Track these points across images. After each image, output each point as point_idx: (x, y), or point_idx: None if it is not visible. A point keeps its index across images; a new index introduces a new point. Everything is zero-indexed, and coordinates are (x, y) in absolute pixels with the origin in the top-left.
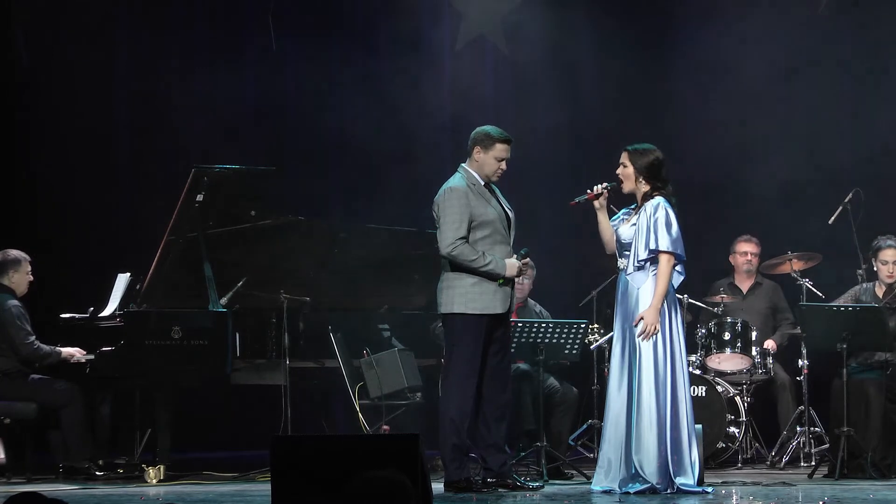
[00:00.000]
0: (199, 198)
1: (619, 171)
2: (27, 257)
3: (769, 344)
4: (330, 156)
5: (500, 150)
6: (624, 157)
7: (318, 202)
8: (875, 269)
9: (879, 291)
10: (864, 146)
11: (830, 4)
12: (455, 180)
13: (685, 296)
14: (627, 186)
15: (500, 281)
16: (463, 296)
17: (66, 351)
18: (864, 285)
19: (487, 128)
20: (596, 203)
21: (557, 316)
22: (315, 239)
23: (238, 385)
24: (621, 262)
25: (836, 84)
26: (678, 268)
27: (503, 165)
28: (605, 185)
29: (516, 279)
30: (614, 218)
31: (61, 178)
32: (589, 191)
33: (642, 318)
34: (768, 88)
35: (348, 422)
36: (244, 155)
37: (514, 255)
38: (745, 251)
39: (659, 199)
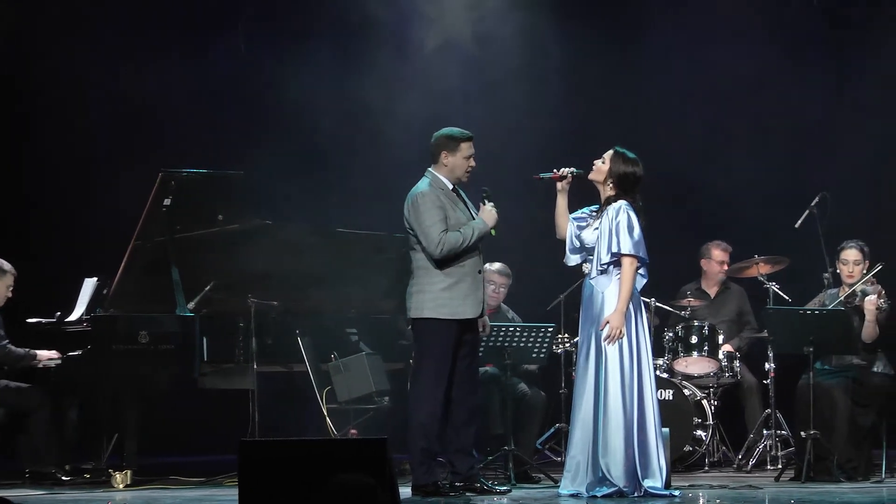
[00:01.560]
0: (167, 202)
1: (596, 161)
2: (14, 272)
3: (726, 348)
4: (300, 159)
5: (466, 148)
6: (607, 154)
7: (287, 206)
8: (838, 271)
9: (843, 294)
10: (833, 149)
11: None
12: (423, 185)
13: (652, 299)
14: (595, 177)
15: (493, 231)
16: (433, 300)
17: (42, 353)
18: (830, 290)
19: (447, 130)
20: (559, 184)
21: (526, 320)
22: (283, 243)
23: (206, 389)
24: (585, 267)
25: (805, 86)
26: (641, 271)
27: (472, 162)
28: (571, 169)
29: (490, 288)
30: (576, 213)
31: (29, 183)
32: (556, 170)
33: (608, 322)
34: (738, 91)
35: (316, 426)
36: (212, 158)
37: (485, 201)
38: (722, 260)
39: (621, 203)
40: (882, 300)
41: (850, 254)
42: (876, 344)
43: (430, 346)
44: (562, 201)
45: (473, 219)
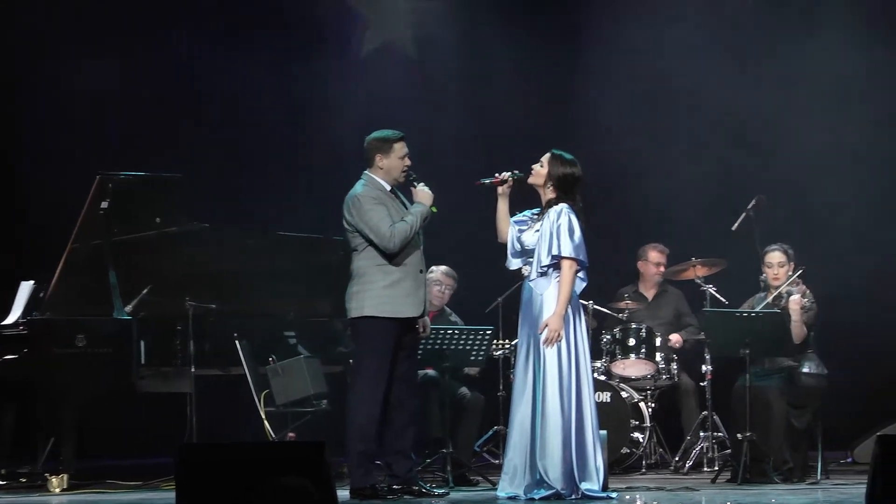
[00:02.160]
0: (104, 205)
1: (534, 165)
2: None
3: (674, 338)
4: (239, 162)
5: (400, 148)
6: (544, 158)
7: (226, 208)
8: (764, 275)
9: (770, 298)
10: (770, 151)
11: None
12: (359, 188)
13: (590, 302)
14: (534, 181)
15: (434, 208)
16: (374, 298)
17: None
18: (759, 294)
19: (379, 133)
20: (500, 189)
21: (465, 323)
22: (221, 246)
23: (144, 393)
24: (525, 269)
25: (743, 87)
26: (581, 274)
27: (407, 161)
28: (511, 173)
29: (437, 289)
30: (517, 217)
31: None
32: (497, 174)
33: (546, 325)
34: (676, 94)
35: (254, 429)
36: (151, 161)
37: (415, 184)
38: (659, 262)
39: (562, 206)
40: (806, 299)
41: (774, 256)
42: (805, 344)
43: (371, 346)
44: (503, 205)
45: None
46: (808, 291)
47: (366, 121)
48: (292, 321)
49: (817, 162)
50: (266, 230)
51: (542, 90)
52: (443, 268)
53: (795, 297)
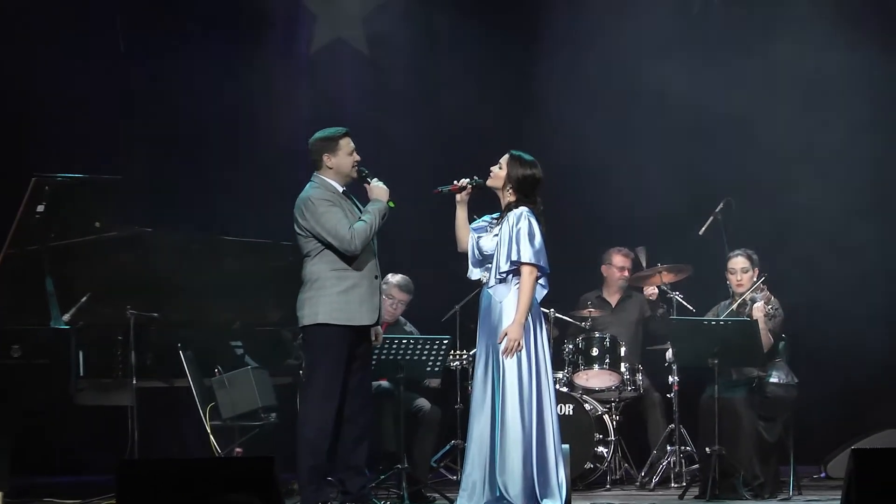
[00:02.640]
0: (41, 208)
1: (493, 168)
2: None
3: (649, 290)
4: (182, 163)
5: (346, 145)
6: (503, 160)
7: (169, 212)
8: (727, 282)
9: (734, 306)
10: (738, 152)
11: (702, 5)
12: (310, 191)
13: (551, 310)
14: (493, 184)
15: (391, 203)
16: (328, 305)
17: None
18: (723, 302)
19: (321, 133)
20: (458, 196)
21: (421, 332)
22: (164, 251)
23: (82, 406)
24: (483, 276)
25: (710, 85)
26: (542, 281)
27: (356, 156)
28: (469, 179)
29: (388, 303)
30: (476, 223)
31: None
32: (456, 181)
33: (506, 335)
34: (640, 89)
35: (200, 444)
36: (90, 162)
37: (368, 180)
38: (623, 266)
39: (522, 210)
40: (770, 306)
41: (738, 262)
42: (773, 353)
43: (323, 356)
44: (461, 213)
45: None
46: (772, 298)
47: (315, 121)
48: (239, 330)
49: (788, 164)
50: (211, 235)
51: (502, 88)
52: (397, 278)
53: (759, 305)
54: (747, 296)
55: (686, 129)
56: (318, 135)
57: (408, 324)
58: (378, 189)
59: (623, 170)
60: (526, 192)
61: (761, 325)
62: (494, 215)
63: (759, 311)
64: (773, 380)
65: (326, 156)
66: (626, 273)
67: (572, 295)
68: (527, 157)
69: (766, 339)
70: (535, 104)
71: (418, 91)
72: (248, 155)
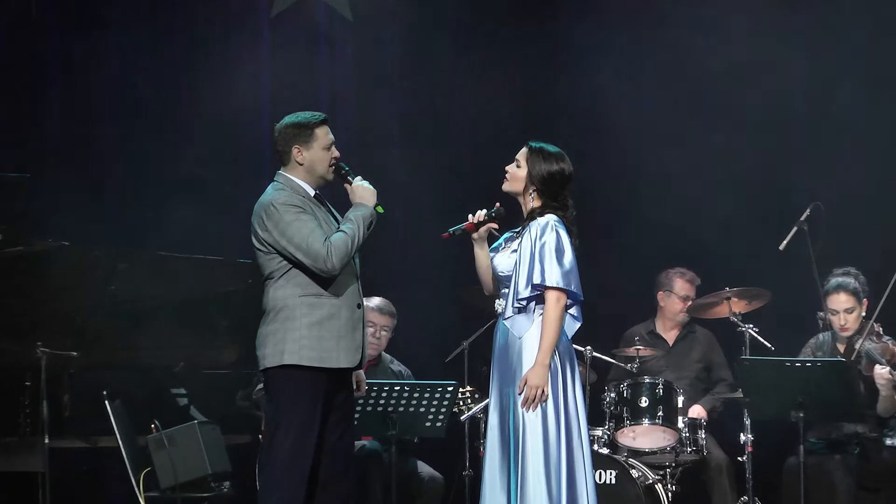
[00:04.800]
0: None
1: (509, 167)
2: None
3: (696, 411)
4: (106, 159)
5: (323, 135)
6: (521, 155)
7: (90, 222)
8: (828, 318)
9: (841, 347)
10: (827, 147)
11: None
12: (273, 194)
13: (587, 348)
14: (512, 188)
15: (380, 208)
16: (296, 342)
17: None
18: (822, 336)
19: (293, 118)
20: (475, 234)
21: (418, 376)
22: (85, 271)
23: None
24: (498, 304)
25: (790, 73)
26: (573, 310)
27: (334, 152)
28: (490, 211)
29: (371, 331)
30: (495, 245)
31: None
32: (470, 216)
33: (526, 380)
34: (704, 79)
35: None
36: None
37: (349, 179)
38: (686, 295)
39: (548, 219)
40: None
41: (840, 300)
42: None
43: (292, 407)
44: (482, 253)
45: None
46: (891, 345)
47: (278, 103)
48: (183, 374)
49: (892, 161)
50: (145, 251)
51: (520, 70)
52: (374, 301)
53: (884, 371)
54: (860, 345)
55: (762, 122)
56: (287, 120)
57: (394, 362)
58: (362, 190)
59: (681, 170)
60: (553, 193)
61: (885, 392)
62: (516, 229)
63: (882, 377)
64: (889, 442)
65: (297, 148)
66: (689, 303)
67: (615, 329)
68: (551, 148)
69: (890, 405)
70: (566, 91)
71: (415, 69)
72: (193, 145)
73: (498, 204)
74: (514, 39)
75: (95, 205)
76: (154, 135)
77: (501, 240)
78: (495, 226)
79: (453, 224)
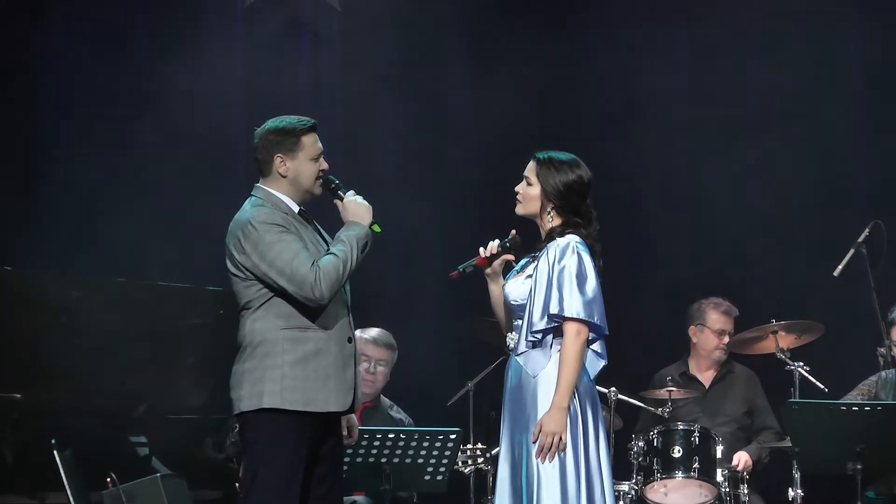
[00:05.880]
0: None
1: (518, 188)
2: None
3: (740, 459)
4: (54, 164)
5: (311, 143)
6: (530, 170)
7: (36, 242)
8: (890, 353)
9: None
10: (886, 162)
11: None
12: (251, 211)
13: (612, 390)
14: (527, 210)
15: (376, 227)
16: (277, 382)
17: None
18: (885, 374)
19: (276, 123)
20: (489, 269)
21: (417, 422)
22: (30, 300)
23: None
24: (510, 338)
25: (844, 88)
26: (596, 346)
27: (323, 164)
28: (502, 240)
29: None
30: (511, 274)
31: None
32: (482, 250)
33: (542, 426)
34: (738, 74)
35: None
36: None
37: (340, 194)
38: (723, 329)
39: (569, 240)
40: None
41: None
42: None
43: (271, 457)
44: (497, 289)
45: None
46: None
47: (254, 105)
48: (144, 419)
49: None
50: (101, 277)
51: (533, 71)
52: (371, 332)
53: None
54: None
55: (806, 129)
56: (270, 125)
57: (394, 407)
58: (355, 207)
59: (715, 185)
60: (574, 205)
61: None
62: (534, 254)
63: None
64: None
65: (280, 158)
66: (727, 338)
67: (645, 369)
68: (561, 155)
69: None
70: (586, 97)
71: (414, 66)
72: (154, 153)
73: (513, 232)
74: (531, 31)
75: (44, 225)
76: (107, 139)
77: (518, 267)
78: (511, 257)
79: (461, 252)
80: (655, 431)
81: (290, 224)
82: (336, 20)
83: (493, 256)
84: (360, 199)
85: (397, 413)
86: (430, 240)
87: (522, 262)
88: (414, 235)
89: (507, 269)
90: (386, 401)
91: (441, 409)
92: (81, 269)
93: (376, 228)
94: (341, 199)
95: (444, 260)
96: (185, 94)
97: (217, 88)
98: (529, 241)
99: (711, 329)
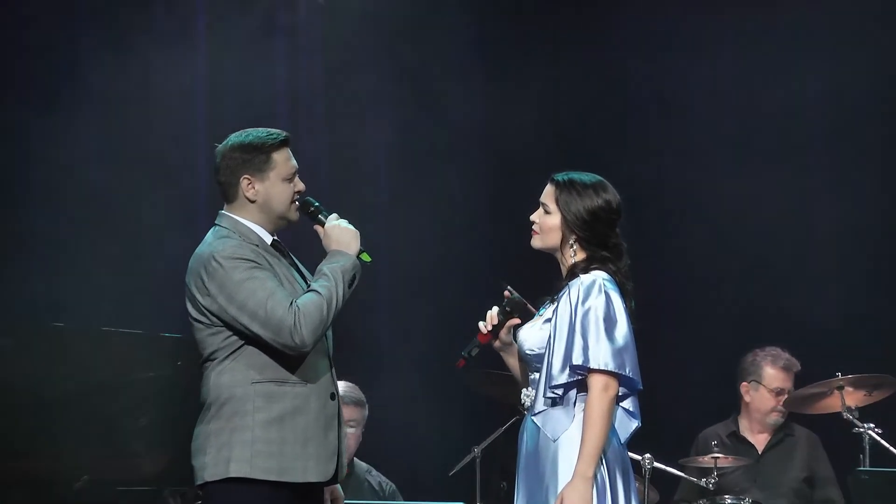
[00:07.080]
0: None
1: (535, 216)
2: None
3: None
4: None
5: (284, 161)
6: (547, 196)
7: None
8: None
9: None
10: None
11: None
12: (215, 243)
13: (646, 456)
14: (545, 243)
15: (366, 256)
16: (247, 446)
17: None
18: None
19: (241, 138)
20: (496, 342)
21: (411, 494)
22: None
23: None
24: (525, 395)
25: None
26: (627, 403)
27: (298, 184)
28: (501, 305)
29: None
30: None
31: None
32: (482, 325)
33: (562, 498)
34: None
35: None
36: None
37: (320, 219)
38: (781, 387)
39: (596, 276)
40: None
41: None
42: None
43: None
44: (512, 361)
45: None
46: None
47: (210, 118)
48: (86, 491)
49: None
50: (35, 322)
51: (543, 77)
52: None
53: None
54: None
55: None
56: (233, 140)
57: (371, 471)
58: (340, 233)
59: (774, 208)
60: (601, 236)
61: None
62: (554, 296)
63: None
64: None
65: (247, 180)
66: (785, 396)
67: (685, 430)
68: (584, 177)
69: None
70: (617, 105)
71: (411, 65)
72: (101, 183)
73: (507, 291)
74: (548, 30)
75: None
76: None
77: (539, 313)
78: (517, 321)
79: (462, 290)
80: None
81: (262, 258)
82: (317, 9)
83: (497, 327)
84: (344, 223)
85: (377, 477)
86: (428, 273)
87: (543, 308)
88: (409, 267)
89: (525, 321)
90: (362, 464)
91: (442, 479)
92: (4, 313)
93: (365, 258)
94: (322, 224)
95: (443, 298)
96: (138, 97)
97: (175, 90)
98: (548, 280)
99: (768, 387)
